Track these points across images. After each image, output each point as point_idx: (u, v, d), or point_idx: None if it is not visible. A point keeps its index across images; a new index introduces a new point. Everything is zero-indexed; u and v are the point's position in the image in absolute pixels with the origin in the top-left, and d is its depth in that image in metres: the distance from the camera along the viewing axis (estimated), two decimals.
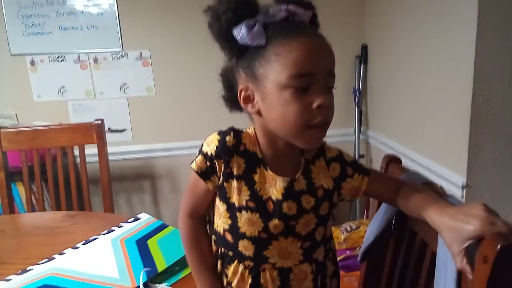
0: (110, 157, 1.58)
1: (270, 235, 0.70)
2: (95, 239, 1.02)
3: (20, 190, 1.85)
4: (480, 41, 1.21)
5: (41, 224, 1.20)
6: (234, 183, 0.69)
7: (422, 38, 1.54)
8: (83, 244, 1.00)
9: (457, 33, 1.31)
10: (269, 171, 0.70)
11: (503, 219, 0.54)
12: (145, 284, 0.82)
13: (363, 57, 2.10)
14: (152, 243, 0.97)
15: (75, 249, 0.98)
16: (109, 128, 2.10)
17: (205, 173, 0.70)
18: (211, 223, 0.77)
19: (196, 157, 0.71)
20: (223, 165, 0.69)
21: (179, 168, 2.21)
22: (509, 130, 1.27)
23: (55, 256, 0.95)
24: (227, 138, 0.69)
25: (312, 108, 0.63)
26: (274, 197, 0.69)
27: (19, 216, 1.53)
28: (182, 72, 2.10)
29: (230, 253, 0.72)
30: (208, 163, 0.69)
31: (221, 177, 0.70)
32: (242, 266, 0.72)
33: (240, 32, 0.63)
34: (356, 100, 2.11)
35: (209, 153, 0.69)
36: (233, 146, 0.69)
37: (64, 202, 1.53)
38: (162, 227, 1.05)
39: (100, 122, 1.53)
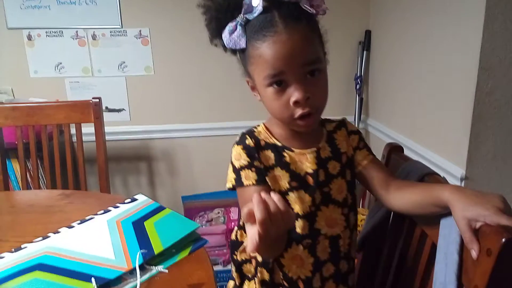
0: (107, 137, 1.56)
1: (315, 207, 0.74)
2: (91, 219, 1.01)
3: (15, 167, 1.83)
4: (487, 30, 1.18)
5: (37, 202, 1.19)
6: (272, 173, 0.74)
7: (428, 25, 1.51)
8: (79, 223, 0.99)
9: (464, 21, 1.28)
10: (295, 150, 0.75)
11: None
12: (141, 266, 0.81)
13: (366, 43, 2.07)
14: (149, 225, 0.96)
15: (70, 228, 0.97)
16: (106, 107, 2.07)
17: (260, 180, 0.72)
18: None
19: (232, 177, 0.74)
20: (259, 163, 0.73)
21: (177, 150, 2.19)
22: (511, 122, 1.26)
23: (50, 234, 0.94)
24: (247, 141, 0.74)
25: (291, 104, 0.67)
26: (310, 170, 0.74)
27: (14, 193, 1.52)
28: (182, 53, 2.06)
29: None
30: (253, 169, 0.72)
31: None
32: (301, 246, 0.75)
33: (224, 39, 0.69)
34: (357, 87, 2.09)
35: (246, 163, 0.72)
36: (255, 145, 0.74)
37: (59, 180, 1.52)
38: (159, 209, 1.04)
39: (97, 100, 1.50)
